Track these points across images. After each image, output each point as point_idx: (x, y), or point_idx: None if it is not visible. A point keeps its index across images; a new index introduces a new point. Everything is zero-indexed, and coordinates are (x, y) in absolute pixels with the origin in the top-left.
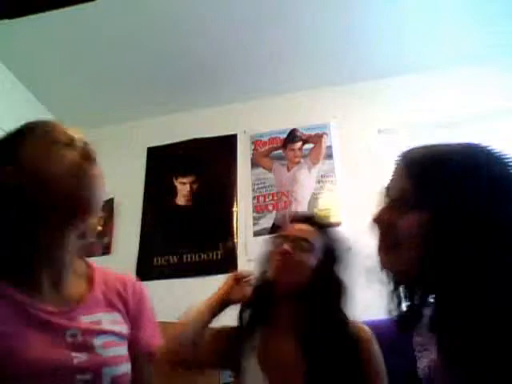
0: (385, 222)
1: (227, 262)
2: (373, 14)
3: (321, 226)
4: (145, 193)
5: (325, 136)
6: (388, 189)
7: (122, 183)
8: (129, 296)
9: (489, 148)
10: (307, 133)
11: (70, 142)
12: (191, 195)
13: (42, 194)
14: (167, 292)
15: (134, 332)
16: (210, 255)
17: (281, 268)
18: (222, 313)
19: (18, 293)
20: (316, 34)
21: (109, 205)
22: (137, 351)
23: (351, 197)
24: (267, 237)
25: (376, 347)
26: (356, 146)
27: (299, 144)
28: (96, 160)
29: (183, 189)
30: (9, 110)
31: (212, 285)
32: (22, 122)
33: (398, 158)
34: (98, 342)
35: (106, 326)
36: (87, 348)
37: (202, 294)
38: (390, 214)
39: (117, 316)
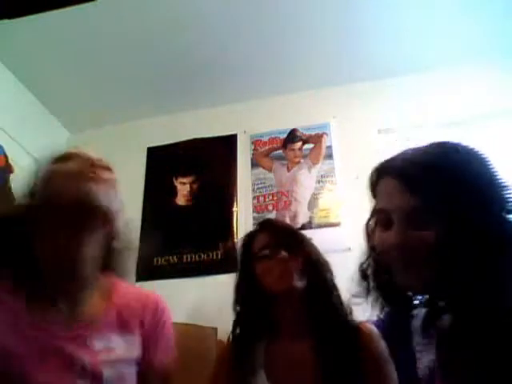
0: (402, 245)
1: (227, 262)
2: (372, 15)
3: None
4: (145, 193)
5: (325, 136)
6: (387, 210)
7: (121, 183)
8: (146, 317)
9: (463, 145)
10: (307, 133)
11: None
12: (191, 195)
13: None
14: (167, 292)
15: (148, 352)
16: (210, 255)
17: (288, 275)
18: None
19: (30, 310)
20: (316, 33)
21: None
22: (150, 371)
23: (351, 197)
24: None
25: (381, 343)
26: (356, 146)
27: (299, 144)
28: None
29: (183, 189)
30: (9, 110)
31: (212, 285)
32: (22, 122)
33: (386, 172)
34: (107, 373)
35: (119, 352)
36: (95, 378)
37: (201, 294)
38: (403, 236)
39: (130, 339)
